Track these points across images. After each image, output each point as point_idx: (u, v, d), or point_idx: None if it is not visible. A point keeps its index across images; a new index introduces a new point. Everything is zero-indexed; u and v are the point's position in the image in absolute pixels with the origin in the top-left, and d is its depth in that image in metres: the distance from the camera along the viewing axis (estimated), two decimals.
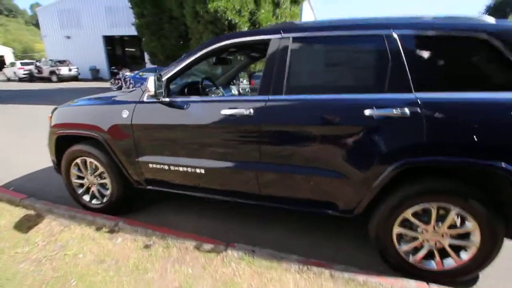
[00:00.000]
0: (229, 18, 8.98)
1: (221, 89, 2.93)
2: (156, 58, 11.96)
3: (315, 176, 1.83)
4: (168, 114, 2.06)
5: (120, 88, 12.37)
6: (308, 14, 17.41)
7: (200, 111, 2.00)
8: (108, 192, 2.45)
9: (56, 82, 18.59)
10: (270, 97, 1.84)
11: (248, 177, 1.98)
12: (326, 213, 1.91)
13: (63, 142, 2.50)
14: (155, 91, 1.93)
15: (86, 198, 2.56)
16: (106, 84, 15.30)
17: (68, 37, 21.13)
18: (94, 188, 2.51)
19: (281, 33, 1.86)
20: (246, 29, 9.35)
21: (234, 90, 3.45)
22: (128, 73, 12.30)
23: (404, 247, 1.79)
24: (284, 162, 1.87)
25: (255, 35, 1.98)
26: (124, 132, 2.18)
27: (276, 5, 10.54)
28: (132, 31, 17.14)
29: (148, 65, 15.73)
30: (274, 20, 10.16)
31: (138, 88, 2.23)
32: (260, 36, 1.95)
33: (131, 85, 9.94)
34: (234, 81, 3.57)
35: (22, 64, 21.11)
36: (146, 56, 15.06)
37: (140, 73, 10.12)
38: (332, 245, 2.13)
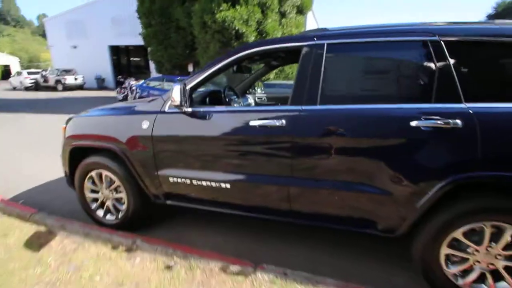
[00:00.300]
0: (237, 28, 9.00)
1: (249, 98, 2.82)
2: (163, 67, 12.00)
3: (353, 192, 1.69)
4: (191, 125, 1.95)
5: (126, 97, 12.36)
6: (311, 24, 17.55)
7: (227, 122, 1.88)
8: (123, 207, 2.31)
9: (61, 91, 18.70)
10: (304, 107, 1.72)
11: (278, 192, 1.85)
12: (364, 232, 1.76)
13: (78, 154, 2.38)
14: (180, 101, 1.82)
15: (100, 213, 2.42)
16: (112, 93, 15.36)
17: (75, 47, 21.38)
18: (109, 203, 2.38)
19: (314, 40, 1.76)
20: (253, 38, 9.37)
21: (250, 99, 3.34)
22: (133, 82, 12.30)
23: (452, 269, 1.63)
24: (318, 177, 1.73)
25: (286, 42, 1.87)
26: (144, 144, 2.06)
27: (282, 15, 10.60)
28: (137, 41, 17.40)
29: (153, 74, 15.80)
30: (280, 30, 10.18)
31: (159, 98, 2.13)
32: (292, 43, 1.85)
33: (137, 94, 9.90)
34: (250, 90, 3.48)
35: (29, 73, 21.29)
36: (152, 65, 15.20)
37: (147, 82, 10.09)
38: (373, 265, 1.96)
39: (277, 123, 1.73)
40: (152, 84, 9.73)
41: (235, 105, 2.62)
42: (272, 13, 9.85)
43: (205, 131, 1.92)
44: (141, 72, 22.45)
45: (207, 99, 2.35)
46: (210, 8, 9.16)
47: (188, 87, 1.94)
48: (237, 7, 9.14)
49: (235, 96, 2.79)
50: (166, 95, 2.05)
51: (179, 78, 9.42)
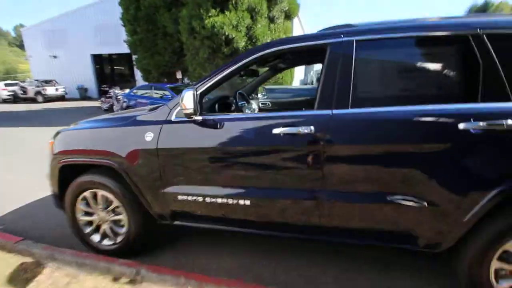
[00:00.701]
0: (227, 33, 8.84)
1: (253, 104, 2.61)
2: (150, 75, 11.66)
3: (392, 205, 1.51)
4: (203, 135, 1.73)
5: (111, 107, 11.89)
6: (297, 29, 17.68)
7: (245, 131, 1.67)
8: (123, 230, 2.04)
9: (42, 102, 17.90)
10: (334, 111, 1.53)
11: (306, 208, 1.64)
12: (403, 248, 1.58)
13: (68, 172, 2.10)
14: (194, 109, 1.60)
15: (96, 238, 2.14)
16: (95, 103, 14.77)
17: (55, 57, 20.63)
18: (106, 226, 2.09)
19: (341, 37, 1.58)
20: (243, 44, 9.23)
21: (254, 105, 3.15)
22: (119, 91, 11.86)
23: (504, 285, 1.47)
24: (354, 189, 1.54)
25: (309, 41, 1.69)
26: (148, 158, 1.81)
27: (271, 20, 10.57)
28: (121, 49, 16.96)
29: (140, 82, 15.37)
30: (270, 35, 10.11)
31: (163, 106, 1.89)
32: (316, 41, 1.67)
33: (124, 104, 9.50)
34: (253, 95, 3.28)
35: (6, 85, 20.29)
36: (138, 74, 14.77)
37: (135, 91, 9.72)
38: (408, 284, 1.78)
39: (305, 130, 1.53)
40: (140, 92, 9.37)
41: (247, 111, 2.41)
42: (262, 18, 9.78)
43: (219, 141, 1.70)
44: (126, 81, 21.88)
45: (216, 106, 2.13)
46: (198, 14, 8.98)
47: (197, 92, 1.71)
48: (226, 12, 9.00)
49: (244, 102, 2.58)
50: (172, 103, 1.82)
51: (168, 85, 9.13)
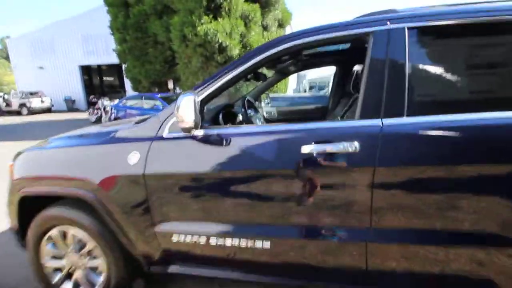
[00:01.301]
0: (220, 41, 8.52)
1: (262, 113, 2.20)
2: (140, 84, 11.21)
3: (466, 245, 1.11)
4: (206, 156, 1.31)
5: (99, 118, 11.35)
6: None
7: (263, 150, 1.26)
8: (101, 280, 1.58)
9: (27, 115, 17.16)
10: (385, 121, 1.14)
11: (349, 250, 1.22)
12: None
13: (32, 203, 1.64)
14: (195, 121, 1.18)
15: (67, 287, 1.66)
16: (83, 115, 14.16)
17: (41, 68, 19.96)
18: (79, 274, 1.63)
19: (387, 24, 1.21)
20: (237, 51, 8.92)
21: (259, 115, 2.75)
22: (107, 102, 11.36)
23: None
24: (417, 225, 1.14)
25: (341, 30, 1.31)
26: (132, 187, 1.38)
27: (264, 28, 10.36)
28: (110, 60, 16.46)
29: (129, 93, 14.87)
30: (264, 42, 9.85)
31: (153, 117, 1.47)
32: (352, 30, 1.29)
33: (113, 115, 8.99)
34: (257, 103, 2.89)
35: None
36: (127, 84, 14.27)
37: (124, 101, 9.23)
38: None
39: (348, 147, 1.13)
40: (130, 103, 8.90)
41: (257, 122, 2.00)
42: (255, 26, 9.53)
43: (228, 164, 1.29)
44: (115, 91, 21.36)
45: (220, 117, 1.71)
46: (191, 21, 8.65)
47: (198, 99, 1.30)
48: (219, 19, 8.71)
49: (251, 111, 2.17)
50: (164, 113, 1.41)
51: (159, 95, 8.67)
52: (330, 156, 1.16)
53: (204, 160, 1.31)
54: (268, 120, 2.84)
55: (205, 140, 1.31)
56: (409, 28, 1.20)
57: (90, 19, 18.38)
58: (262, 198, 1.27)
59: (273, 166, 1.23)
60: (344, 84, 2.81)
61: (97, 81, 24.26)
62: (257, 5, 9.71)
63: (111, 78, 25.02)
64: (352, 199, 1.17)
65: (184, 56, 9.26)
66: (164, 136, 1.36)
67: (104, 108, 10.88)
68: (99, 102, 11.74)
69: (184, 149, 1.33)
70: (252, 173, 1.27)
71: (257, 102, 2.93)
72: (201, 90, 1.36)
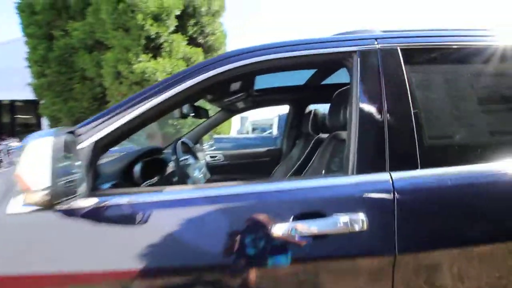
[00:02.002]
0: (159, 80, 8.00)
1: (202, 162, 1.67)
2: (60, 123, 9.71)
3: None
4: (102, 249, 0.70)
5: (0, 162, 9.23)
6: None
7: (208, 233, 0.72)
8: None
9: None
10: (395, 176, 0.75)
11: None
12: None
13: None
14: (52, 188, 0.60)
15: None
16: None
17: None
18: None
19: (375, 43, 0.90)
20: None
21: (199, 162, 2.21)
22: (14, 144, 9.43)
23: None
24: None
25: (316, 48, 0.95)
26: None
27: None
28: (27, 95, 14.21)
29: None
30: None
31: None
32: (325, 48, 0.94)
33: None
34: (198, 145, 2.36)
35: None
36: (45, 122, 12.29)
37: None
38: None
39: (351, 224, 0.68)
40: None
41: (196, 174, 1.44)
42: None
43: (140, 261, 0.70)
44: (31, 131, 18.25)
45: (137, 171, 1.13)
46: (126, 58, 8.02)
47: (87, 142, 0.73)
48: (159, 59, 8.30)
49: (188, 157, 1.60)
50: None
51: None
52: (323, 240, 0.69)
53: (99, 256, 0.70)
54: (212, 168, 2.31)
55: (95, 216, 0.72)
56: (402, 50, 0.90)
57: (5, 52, 16.10)
58: None
59: (217, 265, 0.69)
60: (298, 124, 2.56)
61: (8, 119, 20.79)
62: (200, 49, 9.68)
63: (27, 116, 21.78)
64: None
65: (117, 94, 8.40)
66: (10, 212, 0.71)
67: (8, 151, 8.95)
68: (2, 144, 9.70)
69: (53, 239, 0.70)
70: (192, 278, 0.70)
71: (198, 145, 2.41)
72: (94, 127, 0.79)
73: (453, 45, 0.91)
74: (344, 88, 1.21)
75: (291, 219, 0.70)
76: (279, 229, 0.66)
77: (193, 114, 1.57)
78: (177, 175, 1.23)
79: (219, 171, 2.52)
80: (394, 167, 0.80)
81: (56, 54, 9.34)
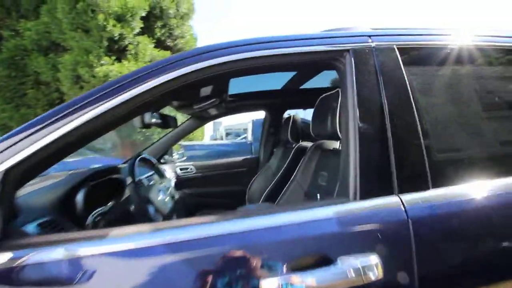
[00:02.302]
0: None
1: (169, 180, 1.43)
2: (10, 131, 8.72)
3: None
4: None
5: None
6: None
7: None
8: None
9: None
10: (406, 199, 0.61)
11: None
12: None
13: None
14: None
15: None
16: None
17: None
18: None
19: (369, 40, 0.77)
20: None
21: (168, 173, 1.98)
22: None
23: None
24: None
25: (301, 45, 0.79)
26: None
27: None
28: None
29: None
30: None
31: None
32: (313, 46, 0.79)
33: None
34: (166, 156, 2.12)
35: None
36: None
37: None
38: None
39: (367, 273, 0.51)
40: None
41: (161, 196, 1.21)
42: None
43: None
44: None
45: (78, 202, 0.88)
46: (87, 60, 7.43)
47: None
48: (124, 61, 7.81)
49: (151, 174, 1.36)
50: None
51: None
52: None
53: None
54: (183, 182, 2.08)
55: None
56: (400, 49, 0.77)
57: None
58: None
59: None
60: (276, 131, 2.41)
61: None
62: (168, 52, 9.29)
63: None
64: None
65: None
66: None
67: None
68: None
69: None
70: None
71: (167, 156, 2.17)
72: (7, 148, 0.56)
73: (464, 45, 0.80)
74: (331, 92, 1.08)
75: (283, 268, 0.52)
76: (267, 286, 0.48)
77: (157, 123, 1.35)
78: (134, 204, 0.98)
79: (191, 185, 2.28)
80: (403, 189, 0.66)
81: (5, 56, 8.44)
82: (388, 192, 0.63)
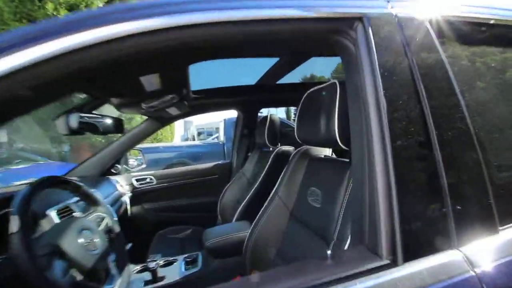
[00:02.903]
0: None
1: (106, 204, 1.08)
2: None
3: None
4: None
5: None
6: None
7: None
8: None
9: None
10: (471, 255, 0.34)
11: None
12: None
13: None
14: None
15: None
16: None
17: None
18: None
19: (388, 6, 0.50)
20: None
21: (121, 188, 1.61)
22: None
23: None
24: None
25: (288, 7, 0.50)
26: None
27: None
28: None
29: None
30: None
31: None
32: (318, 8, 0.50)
33: None
34: (120, 166, 1.75)
35: None
36: None
37: None
38: None
39: None
40: None
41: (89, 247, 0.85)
42: None
43: None
44: None
45: None
46: None
47: None
48: None
49: (71, 205, 0.96)
50: None
51: None
52: None
53: None
54: (141, 195, 1.71)
55: None
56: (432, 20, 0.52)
57: None
58: None
59: None
60: (250, 133, 2.13)
61: None
62: None
63: None
64: None
65: None
66: None
67: None
68: None
69: None
70: None
71: (120, 165, 1.79)
72: None
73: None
74: (324, 85, 0.82)
75: None
76: None
77: (91, 128, 0.99)
78: (22, 262, 0.60)
79: (151, 198, 1.92)
80: (464, 236, 0.41)
81: None
82: (447, 246, 0.38)
